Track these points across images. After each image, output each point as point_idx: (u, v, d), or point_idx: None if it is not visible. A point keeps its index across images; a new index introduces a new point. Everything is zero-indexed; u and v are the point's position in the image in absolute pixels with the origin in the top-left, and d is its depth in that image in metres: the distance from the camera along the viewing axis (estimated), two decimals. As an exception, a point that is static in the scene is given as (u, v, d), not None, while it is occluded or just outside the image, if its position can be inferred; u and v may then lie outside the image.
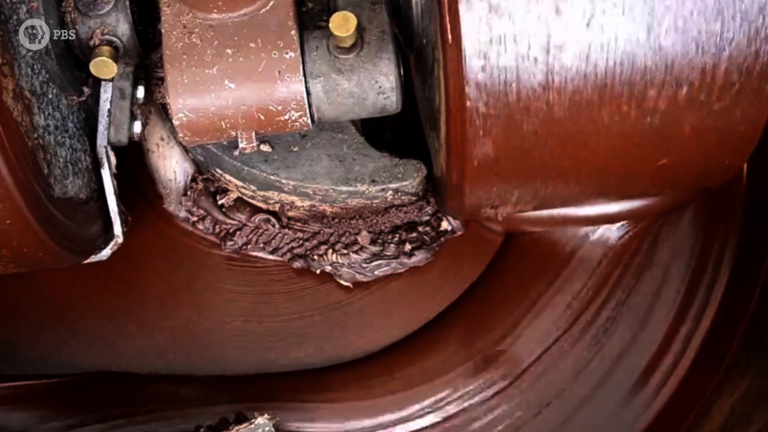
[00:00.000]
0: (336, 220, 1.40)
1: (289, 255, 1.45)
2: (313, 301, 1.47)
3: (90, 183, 1.31)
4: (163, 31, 1.17)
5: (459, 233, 1.45)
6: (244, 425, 1.25)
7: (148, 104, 1.33)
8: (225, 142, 1.30)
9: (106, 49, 1.24)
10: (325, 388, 1.41)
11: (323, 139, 1.34)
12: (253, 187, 1.36)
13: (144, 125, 1.36)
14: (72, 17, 1.24)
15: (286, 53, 1.15)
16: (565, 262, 1.44)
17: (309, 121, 1.19)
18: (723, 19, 0.98)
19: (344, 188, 1.33)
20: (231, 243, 1.45)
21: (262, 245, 1.45)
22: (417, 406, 1.41)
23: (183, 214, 1.46)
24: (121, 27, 1.25)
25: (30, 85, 1.17)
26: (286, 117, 1.18)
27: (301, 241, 1.43)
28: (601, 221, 1.44)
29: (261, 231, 1.43)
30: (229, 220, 1.44)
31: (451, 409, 1.41)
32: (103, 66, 1.22)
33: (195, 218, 1.45)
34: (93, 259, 1.33)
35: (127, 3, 1.25)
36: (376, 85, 1.18)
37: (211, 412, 1.36)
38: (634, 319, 1.41)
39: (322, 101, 1.19)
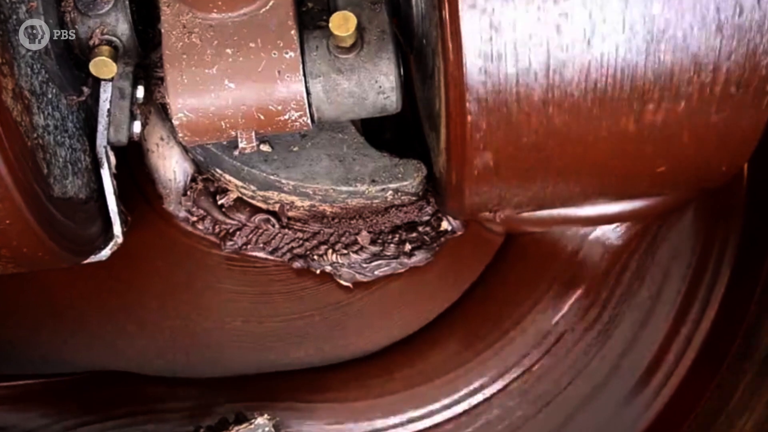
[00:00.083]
0: (336, 220, 1.40)
1: (288, 255, 1.45)
2: (313, 301, 1.47)
3: (90, 183, 1.31)
4: (162, 30, 1.17)
5: (459, 233, 1.45)
6: (244, 425, 1.25)
7: (148, 104, 1.33)
8: (225, 142, 1.30)
9: (105, 48, 1.24)
10: (325, 388, 1.41)
11: (323, 139, 1.34)
12: (252, 187, 1.36)
13: (144, 125, 1.36)
14: (71, 17, 1.24)
15: (286, 53, 1.15)
16: (565, 263, 1.44)
17: (309, 121, 1.19)
18: (722, 35, 0.99)
19: (344, 188, 1.32)
20: (231, 243, 1.45)
21: (261, 245, 1.45)
22: (417, 407, 1.41)
23: (183, 214, 1.46)
24: (121, 27, 1.25)
25: (29, 85, 1.17)
26: (286, 117, 1.18)
27: (301, 241, 1.43)
28: (602, 221, 1.44)
29: (261, 231, 1.43)
30: (228, 220, 1.44)
31: (452, 409, 1.41)
32: (103, 66, 1.22)
33: (195, 218, 1.45)
34: (93, 259, 1.33)
35: (127, 3, 1.25)
36: (376, 85, 1.18)
37: (211, 412, 1.36)
38: (634, 319, 1.41)
39: (322, 101, 1.18)
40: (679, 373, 1.38)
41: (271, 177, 1.32)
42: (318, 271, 1.45)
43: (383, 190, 1.33)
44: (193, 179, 1.43)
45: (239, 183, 1.36)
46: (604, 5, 0.97)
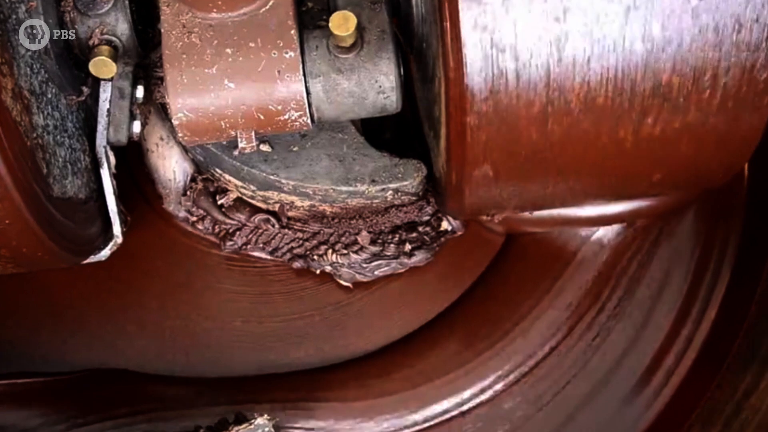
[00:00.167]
0: (336, 220, 1.40)
1: (288, 255, 1.44)
2: (313, 301, 1.47)
3: (89, 183, 1.31)
4: (162, 30, 1.17)
5: (459, 233, 1.45)
6: (244, 426, 1.25)
7: (148, 104, 1.33)
8: (224, 142, 1.30)
9: (105, 48, 1.24)
10: (325, 388, 1.41)
11: (323, 139, 1.34)
12: (252, 187, 1.36)
13: (143, 125, 1.36)
14: (71, 17, 1.24)
15: (286, 53, 1.15)
16: (566, 263, 1.44)
17: (309, 121, 1.19)
18: (721, 52, 1.00)
19: (344, 188, 1.32)
20: (230, 243, 1.45)
21: (261, 245, 1.45)
22: (417, 407, 1.41)
23: (182, 214, 1.46)
24: (121, 26, 1.25)
25: (29, 85, 1.17)
26: (286, 117, 1.18)
27: (300, 241, 1.43)
28: (602, 222, 1.44)
29: (261, 231, 1.43)
30: (228, 220, 1.43)
31: (452, 409, 1.41)
32: (103, 65, 1.22)
33: (194, 218, 1.45)
34: (92, 259, 1.33)
35: (127, 2, 1.24)
36: (376, 85, 1.18)
37: (211, 412, 1.36)
38: (635, 319, 1.41)
39: (321, 101, 1.18)
40: (679, 373, 1.38)
41: (271, 177, 1.32)
42: (318, 271, 1.45)
43: (383, 190, 1.33)
44: (193, 179, 1.43)
45: (239, 183, 1.36)
46: (605, 23, 0.98)
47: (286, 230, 1.43)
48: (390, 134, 1.45)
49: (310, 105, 1.18)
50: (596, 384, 1.40)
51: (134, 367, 1.43)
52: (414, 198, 1.36)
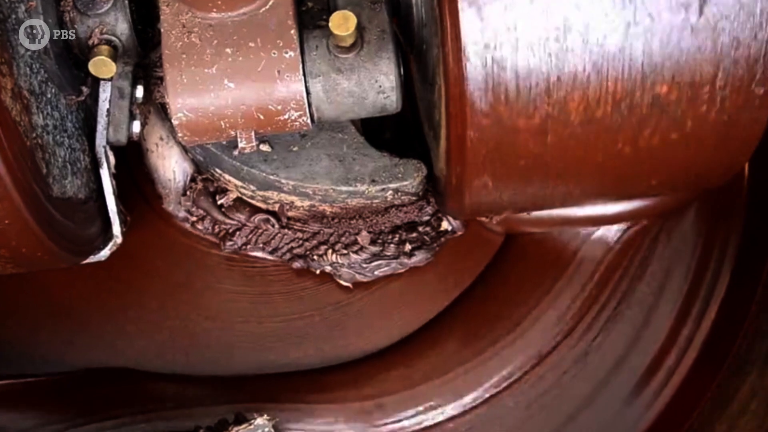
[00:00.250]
0: (336, 220, 1.40)
1: (288, 255, 1.44)
2: (313, 301, 1.46)
3: (89, 183, 1.31)
4: (162, 30, 1.17)
5: (459, 233, 1.45)
6: (244, 426, 1.25)
7: (147, 104, 1.33)
8: (224, 142, 1.30)
9: (105, 48, 1.23)
10: (325, 389, 1.41)
11: (323, 139, 1.34)
12: (252, 187, 1.35)
13: (143, 125, 1.36)
14: (71, 16, 1.24)
15: (286, 52, 1.14)
16: (566, 263, 1.44)
17: (308, 121, 1.19)
18: (720, 69, 1.01)
19: (344, 188, 1.32)
20: (230, 243, 1.45)
21: (261, 245, 1.44)
22: (417, 407, 1.41)
23: (182, 214, 1.46)
24: (120, 26, 1.25)
25: (28, 85, 1.16)
26: (286, 116, 1.18)
27: (300, 241, 1.43)
28: (602, 222, 1.44)
29: (260, 231, 1.43)
30: (228, 220, 1.43)
31: (452, 409, 1.41)
32: (102, 65, 1.22)
33: (194, 218, 1.45)
34: (92, 259, 1.33)
35: (126, 2, 1.24)
36: (376, 85, 1.18)
37: (211, 412, 1.36)
38: (635, 319, 1.41)
39: (321, 101, 1.18)
40: (680, 373, 1.38)
41: (271, 177, 1.32)
42: (318, 271, 1.45)
43: (383, 190, 1.33)
44: (193, 179, 1.43)
45: (239, 183, 1.36)
46: (605, 42, 0.99)
47: (286, 230, 1.42)
48: (390, 134, 1.45)
49: (310, 105, 1.18)
50: (596, 384, 1.39)
51: (134, 367, 1.43)
52: (414, 198, 1.36)
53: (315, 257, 1.43)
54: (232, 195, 1.41)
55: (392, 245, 1.42)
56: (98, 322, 1.46)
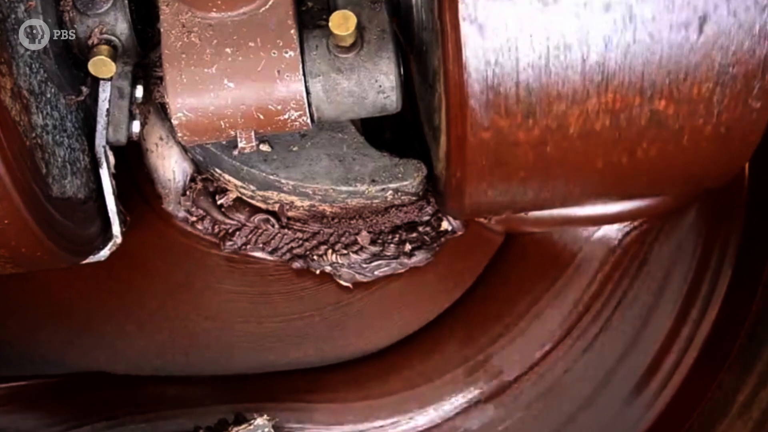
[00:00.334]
0: (336, 220, 1.40)
1: (288, 255, 1.44)
2: (313, 301, 1.46)
3: (88, 183, 1.31)
4: (161, 30, 1.17)
5: (459, 233, 1.44)
6: (244, 426, 1.24)
7: (147, 104, 1.33)
8: (224, 142, 1.30)
9: (104, 48, 1.23)
10: (325, 389, 1.41)
11: (323, 139, 1.34)
12: (252, 187, 1.35)
13: (143, 125, 1.36)
14: (70, 16, 1.24)
15: (286, 52, 1.14)
16: (566, 263, 1.44)
17: (308, 121, 1.19)
18: (718, 84, 1.02)
19: (344, 188, 1.32)
20: (230, 243, 1.45)
21: (261, 245, 1.44)
22: (417, 407, 1.41)
23: (182, 214, 1.46)
24: (120, 26, 1.24)
25: (28, 85, 1.16)
26: (286, 116, 1.17)
27: (300, 242, 1.43)
28: (602, 221, 1.44)
29: (260, 231, 1.43)
30: (228, 220, 1.43)
31: (451, 409, 1.41)
32: (102, 65, 1.22)
33: (194, 218, 1.45)
34: (91, 259, 1.33)
35: (126, 2, 1.24)
36: (376, 84, 1.18)
37: (210, 412, 1.35)
38: (636, 319, 1.41)
39: (321, 100, 1.18)
40: (680, 373, 1.38)
41: (271, 177, 1.32)
42: (318, 272, 1.45)
43: (383, 189, 1.33)
44: (193, 179, 1.43)
45: (239, 183, 1.36)
46: (605, 60, 1.00)
47: (286, 230, 1.42)
48: (390, 134, 1.45)
49: (309, 105, 1.18)
50: (597, 384, 1.39)
51: (134, 367, 1.43)
52: (414, 198, 1.36)
53: (315, 257, 1.43)
54: (232, 195, 1.41)
55: (392, 245, 1.42)
56: (98, 322, 1.46)
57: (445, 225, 1.43)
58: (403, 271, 1.44)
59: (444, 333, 1.44)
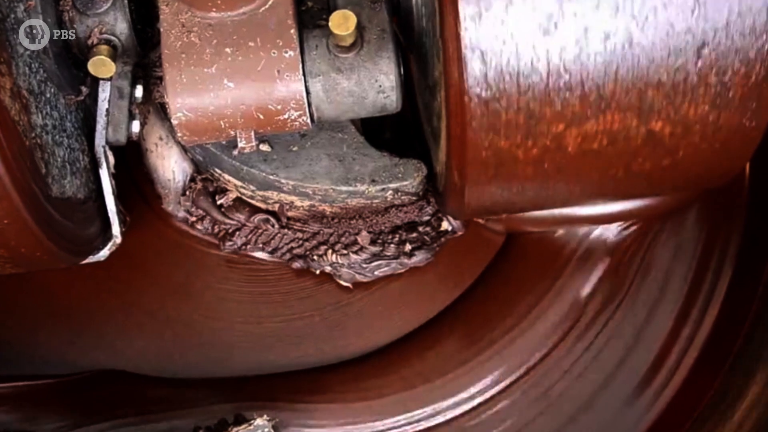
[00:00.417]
0: (336, 220, 1.40)
1: (288, 255, 1.44)
2: (313, 301, 1.46)
3: (88, 183, 1.30)
4: (161, 29, 1.16)
5: (460, 233, 1.44)
6: (243, 426, 1.24)
7: (147, 103, 1.33)
8: (224, 142, 1.30)
9: (104, 48, 1.23)
10: (325, 389, 1.41)
11: (323, 139, 1.34)
12: (252, 187, 1.35)
13: (142, 125, 1.36)
14: (70, 16, 1.24)
15: (286, 52, 1.14)
16: (566, 263, 1.44)
17: (308, 121, 1.19)
18: (714, 106, 1.04)
19: (344, 188, 1.32)
20: (230, 243, 1.44)
21: (261, 245, 1.44)
22: (417, 407, 1.41)
23: (182, 214, 1.46)
24: (120, 26, 1.24)
25: (27, 84, 1.16)
26: (286, 116, 1.17)
27: (300, 242, 1.43)
28: (603, 221, 1.44)
29: (260, 231, 1.43)
30: (228, 220, 1.43)
31: (452, 409, 1.41)
32: (102, 65, 1.22)
33: (194, 218, 1.45)
34: (91, 259, 1.33)
35: (126, 2, 1.24)
36: (376, 84, 1.17)
37: (210, 412, 1.35)
38: (636, 319, 1.41)
39: (321, 100, 1.18)
40: (681, 372, 1.38)
41: (271, 177, 1.32)
42: (318, 272, 1.45)
43: (383, 189, 1.32)
44: (192, 179, 1.43)
45: (238, 183, 1.36)
46: (604, 87, 1.01)
47: (286, 230, 1.42)
48: (390, 134, 1.45)
49: (309, 104, 1.17)
50: (597, 384, 1.39)
51: (133, 368, 1.43)
52: (414, 198, 1.36)
53: (315, 257, 1.43)
54: (232, 195, 1.41)
55: (392, 245, 1.41)
56: (98, 322, 1.46)
57: (445, 225, 1.42)
58: (403, 271, 1.44)
59: (444, 333, 1.44)
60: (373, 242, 1.41)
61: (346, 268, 1.43)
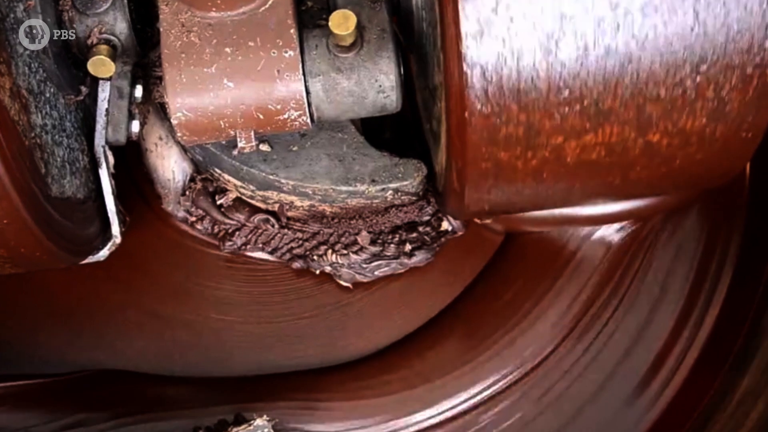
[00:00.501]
0: (336, 220, 1.40)
1: (288, 255, 1.44)
2: (313, 301, 1.46)
3: (88, 183, 1.30)
4: (161, 29, 1.16)
5: (459, 233, 1.44)
6: (243, 426, 1.24)
7: (147, 103, 1.33)
8: (224, 142, 1.30)
9: (103, 47, 1.23)
10: (325, 389, 1.41)
11: (323, 139, 1.34)
12: (252, 187, 1.35)
13: (142, 124, 1.36)
14: (69, 16, 1.23)
15: (286, 52, 1.14)
16: (566, 262, 1.44)
17: (308, 121, 1.19)
18: (711, 118, 1.04)
19: (344, 188, 1.32)
20: (230, 243, 1.44)
21: (261, 245, 1.44)
22: (417, 407, 1.41)
23: (181, 214, 1.46)
24: (119, 25, 1.24)
25: (27, 84, 1.16)
26: (286, 116, 1.17)
27: (300, 242, 1.42)
28: (603, 221, 1.44)
29: (260, 231, 1.43)
30: (227, 220, 1.43)
31: (452, 409, 1.41)
32: (101, 65, 1.22)
33: (193, 218, 1.45)
34: (91, 259, 1.33)
35: (125, 1, 1.24)
36: (376, 84, 1.17)
37: (210, 412, 1.35)
38: (636, 319, 1.41)
39: (321, 100, 1.18)
40: (681, 373, 1.38)
41: (271, 177, 1.32)
42: (318, 272, 1.45)
43: (383, 189, 1.32)
44: (192, 179, 1.43)
45: (238, 183, 1.36)
46: (601, 103, 1.02)
47: (286, 230, 1.42)
48: (390, 134, 1.45)
49: (309, 104, 1.17)
50: (598, 384, 1.39)
51: (133, 368, 1.43)
52: (414, 198, 1.36)
53: (315, 257, 1.43)
54: (232, 195, 1.41)
55: (392, 245, 1.41)
56: (98, 322, 1.46)
57: (445, 225, 1.42)
58: (403, 271, 1.44)
59: (444, 333, 1.44)
60: (373, 242, 1.41)
61: (346, 268, 1.43)
